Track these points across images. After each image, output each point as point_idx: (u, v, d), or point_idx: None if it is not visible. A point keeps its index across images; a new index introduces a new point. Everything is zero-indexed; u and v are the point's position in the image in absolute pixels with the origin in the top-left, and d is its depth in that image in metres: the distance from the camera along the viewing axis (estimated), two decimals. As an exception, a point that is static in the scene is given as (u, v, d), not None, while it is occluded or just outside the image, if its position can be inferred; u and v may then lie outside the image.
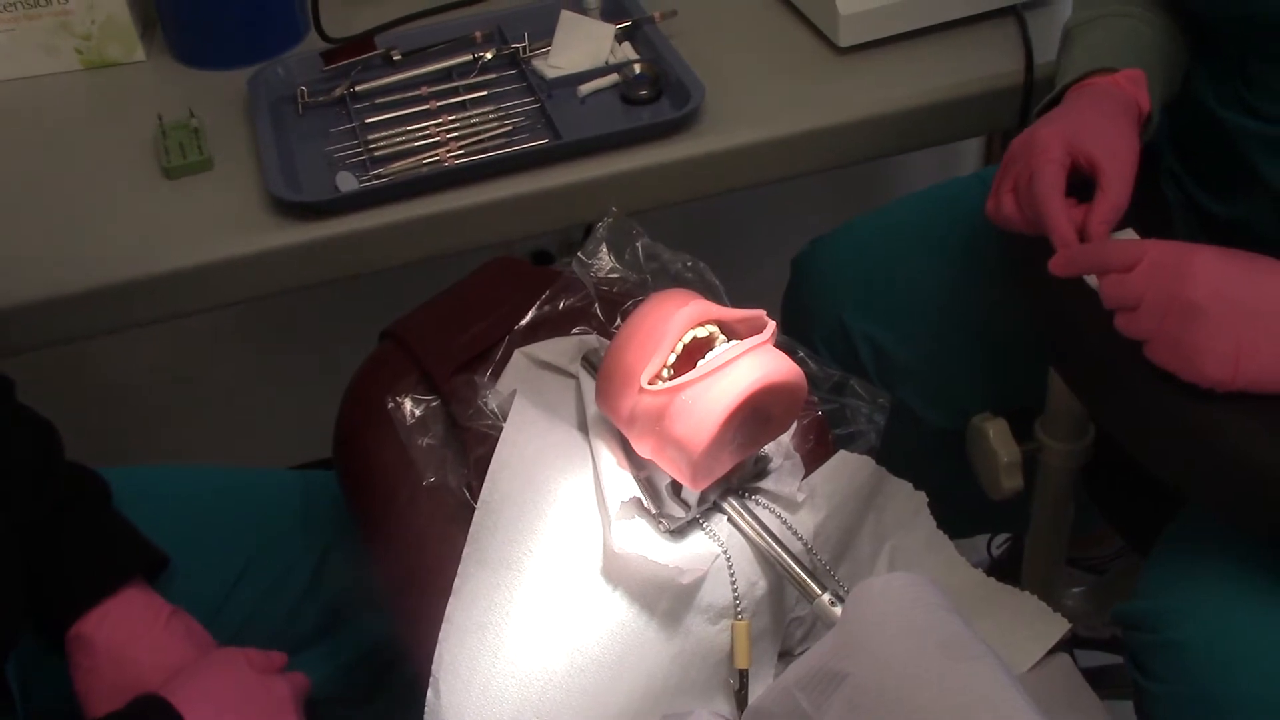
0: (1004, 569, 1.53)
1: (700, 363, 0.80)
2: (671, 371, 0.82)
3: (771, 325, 0.83)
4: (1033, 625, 0.94)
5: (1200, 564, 0.92)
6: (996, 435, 1.07)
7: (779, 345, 0.95)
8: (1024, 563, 1.26)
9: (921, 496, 0.97)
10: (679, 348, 0.82)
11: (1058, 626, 0.93)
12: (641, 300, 0.87)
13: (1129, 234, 0.94)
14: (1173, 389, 0.84)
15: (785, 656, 0.91)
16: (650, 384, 0.80)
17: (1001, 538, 1.60)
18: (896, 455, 1.01)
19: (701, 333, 0.83)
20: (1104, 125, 0.93)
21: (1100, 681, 1.39)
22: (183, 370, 1.83)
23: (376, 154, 1.19)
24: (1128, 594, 1.40)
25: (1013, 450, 1.07)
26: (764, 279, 1.34)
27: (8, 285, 1.08)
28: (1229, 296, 0.81)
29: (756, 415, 0.82)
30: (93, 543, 0.92)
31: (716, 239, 1.85)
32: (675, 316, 0.81)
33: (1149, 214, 1.00)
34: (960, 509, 1.23)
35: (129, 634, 0.89)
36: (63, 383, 1.56)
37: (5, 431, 0.92)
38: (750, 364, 0.80)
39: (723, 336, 0.84)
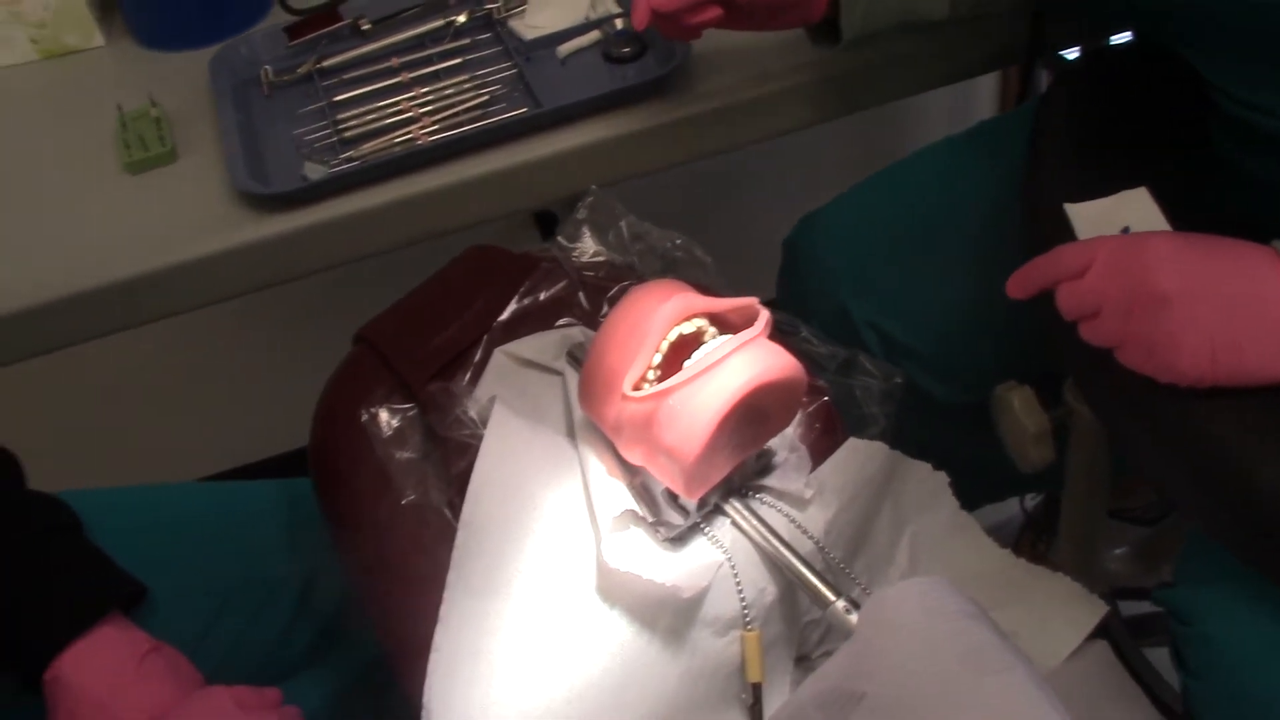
0: (1040, 524, 1.46)
1: (687, 363, 0.74)
2: (659, 373, 0.75)
3: (765, 316, 0.75)
4: (1068, 610, 0.87)
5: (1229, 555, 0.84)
6: (1022, 405, 0.99)
7: (779, 325, 0.88)
8: (1061, 524, 1.19)
9: (941, 477, 0.91)
10: (664, 347, 0.75)
11: (1095, 610, 0.87)
12: (625, 292, 0.80)
13: (1142, 195, 0.85)
14: (1150, 393, 0.77)
15: (802, 661, 0.85)
16: (634, 390, 0.74)
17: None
18: (910, 434, 0.94)
19: (688, 328, 0.76)
20: None
21: (1143, 630, 1.33)
22: (150, 376, 1.77)
23: (347, 135, 1.12)
24: (1176, 552, 1.34)
25: (1040, 420, 0.99)
26: (764, 253, 1.26)
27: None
28: (1195, 283, 0.73)
29: (753, 415, 0.75)
30: (63, 577, 0.86)
31: (710, 212, 1.78)
32: (657, 314, 0.74)
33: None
34: (986, 479, 1.17)
35: (108, 675, 0.83)
36: (17, 402, 1.50)
37: None
38: (741, 362, 0.73)
39: (713, 330, 0.77)
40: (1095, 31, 1.22)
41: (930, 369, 1.11)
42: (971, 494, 0.96)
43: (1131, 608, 1.39)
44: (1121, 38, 1.21)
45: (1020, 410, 1.00)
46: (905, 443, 0.93)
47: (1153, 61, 0.99)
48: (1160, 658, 1.00)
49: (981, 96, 1.81)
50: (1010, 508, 1.48)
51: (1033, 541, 1.49)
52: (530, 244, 1.65)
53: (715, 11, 0.92)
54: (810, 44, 1.04)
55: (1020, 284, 0.82)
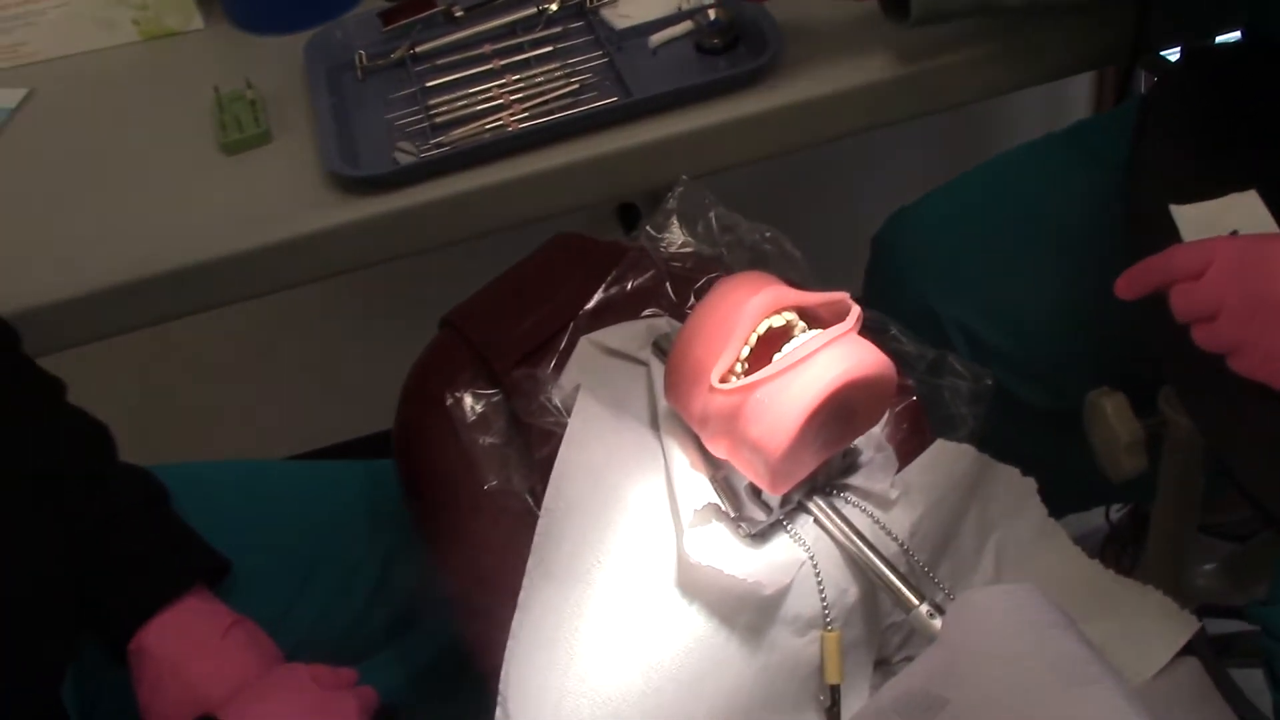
0: (1125, 537, 1.43)
1: (776, 357, 0.73)
2: (746, 366, 0.74)
3: (855, 311, 0.74)
4: (1158, 625, 0.85)
5: None
6: (1115, 412, 0.97)
7: (868, 322, 0.87)
8: (1150, 538, 1.16)
9: (1030, 483, 0.89)
10: (753, 340, 0.74)
11: (1186, 626, 0.84)
12: (712, 284, 0.79)
13: (1251, 198, 0.82)
14: (1260, 403, 0.74)
15: (882, 665, 0.84)
16: (721, 382, 0.73)
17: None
18: (997, 438, 0.92)
19: (778, 321, 0.75)
20: None
21: (1230, 650, 1.29)
22: (239, 354, 1.79)
23: (438, 120, 1.13)
24: (1267, 569, 1.30)
25: (1134, 428, 0.96)
26: (853, 248, 1.25)
27: (62, 278, 1.04)
28: None
29: (841, 411, 0.74)
30: (150, 549, 0.88)
31: (800, 205, 1.75)
32: (747, 306, 0.73)
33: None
34: (1073, 487, 1.14)
35: (191, 646, 0.85)
36: (111, 376, 1.52)
37: (55, 435, 0.89)
38: (832, 357, 0.72)
39: (802, 324, 0.76)
40: (1201, 28, 1.19)
41: (1019, 372, 1.09)
42: (1057, 502, 0.94)
43: (1218, 625, 1.36)
44: (1227, 37, 1.18)
45: (1113, 417, 0.97)
46: (992, 447, 0.91)
47: (1260, 60, 0.96)
48: (1245, 678, 0.97)
49: (1075, 97, 1.78)
50: (1095, 519, 1.45)
51: (1117, 554, 1.45)
52: (613, 236, 1.67)
53: None
54: (888, 21, 1.02)
55: (1131, 283, 0.79)
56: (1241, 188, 0.85)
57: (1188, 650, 0.84)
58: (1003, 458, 0.88)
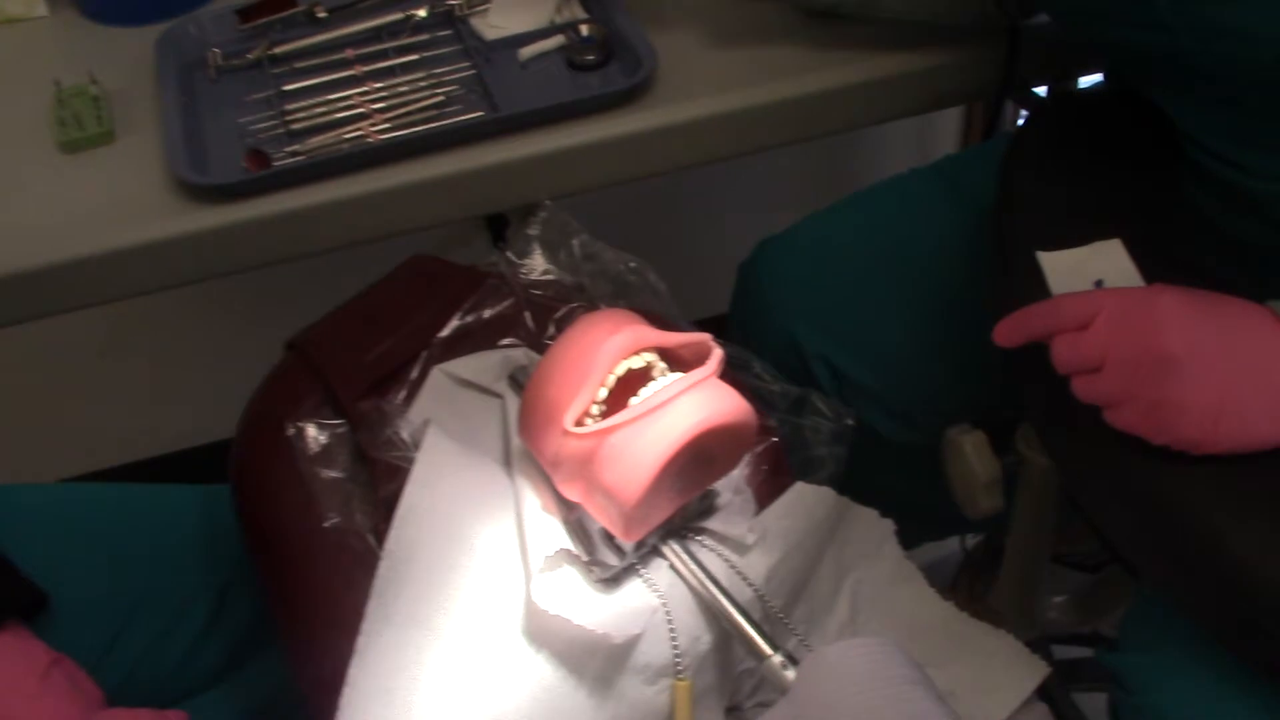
0: (979, 564, 1.44)
1: (633, 401, 0.70)
2: (604, 408, 0.72)
3: (717, 355, 0.72)
4: (1009, 670, 0.85)
5: (1180, 621, 0.82)
6: (974, 450, 0.97)
7: (730, 358, 0.85)
8: (1004, 567, 1.17)
9: (888, 524, 0.88)
10: (610, 381, 0.71)
11: (1036, 671, 0.84)
12: (573, 314, 0.76)
13: (1115, 247, 0.83)
14: (1123, 452, 0.74)
15: (734, 712, 0.82)
16: (576, 425, 0.70)
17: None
18: (856, 471, 0.91)
19: (637, 363, 0.72)
20: None
21: (1074, 676, 1.32)
22: (68, 357, 1.70)
23: (294, 127, 1.07)
24: (1117, 603, 1.32)
25: (992, 467, 0.96)
26: (720, 272, 1.23)
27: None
28: (1205, 345, 0.70)
29: (699, 457, 0.72)
30: None
31: (667, 227, 1.74)
32: (605, 346, 0.71)
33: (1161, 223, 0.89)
34: (931, 518, 1.15)
35: (3, 691, 0.79)
36: None
37: None
38: (690, 403, 0.69)
39: (663, 365, 0.74)
40: (1067, 69, 1.20)
41: (879, 405, 1.09)
42: (914, 533, 0.94)
43: (1066, 651, 1.38)
44: (1093, 79, 1.19)
45: (972, 455, 0.97)
46: (851, 479, 0.90)
47: (1123, 104, 0.97)
48: (1092, 701, 0.98)
49: (947, 129, 1.79)
50: (950, 546, 1.46)
51: (970, 582, 1.47)
52: (480, 246, 1.63)
53: None
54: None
55: (1011, 331, 0.78)
56: (1106, 235, 0.85)
57: (1040, 691, 0.85)
58: (861, 489, 0.87)
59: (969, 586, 1.49)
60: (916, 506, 1.06)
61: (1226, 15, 0.75)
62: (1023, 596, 1.19)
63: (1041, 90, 1.28)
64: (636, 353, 0.72)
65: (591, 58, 1.12)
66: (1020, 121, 1.37)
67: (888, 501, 0.89)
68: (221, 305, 1.65)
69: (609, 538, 0.75)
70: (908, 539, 0.90)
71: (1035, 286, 0.84)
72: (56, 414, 1.73)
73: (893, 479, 1.09)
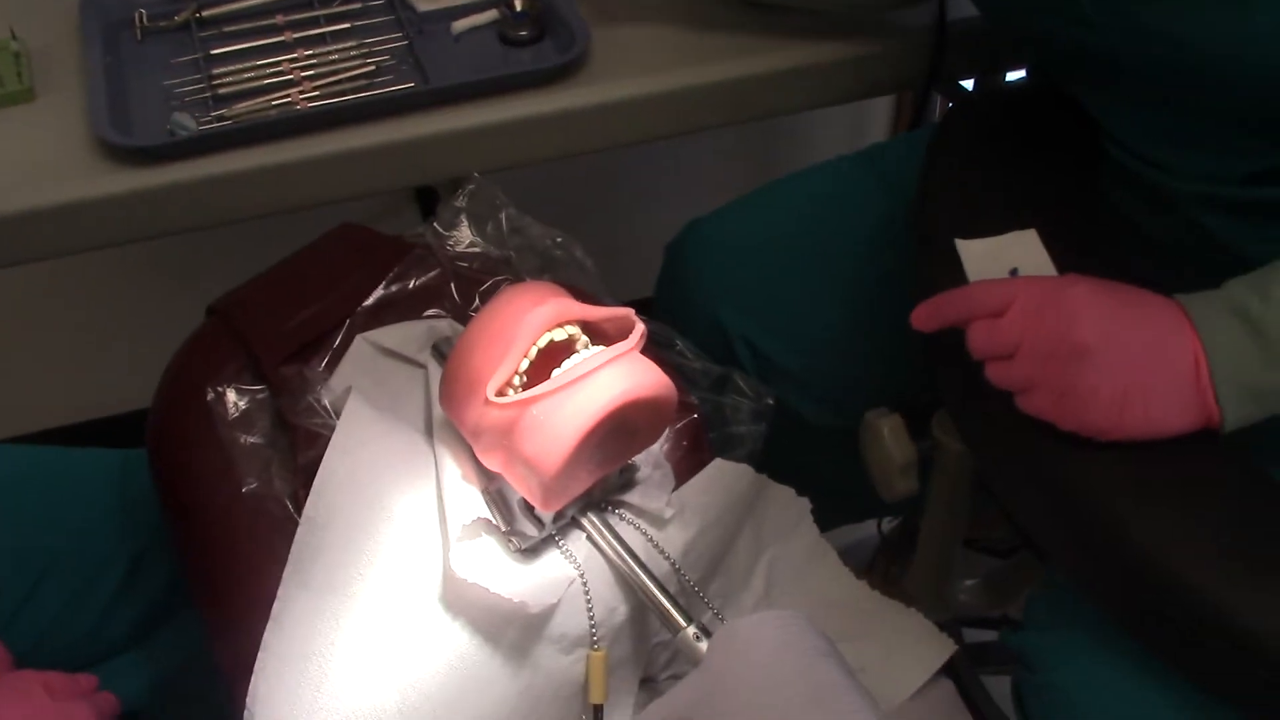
0: (895, 547, 1.47)
1: (555, 372, 0.71)
2: (525, 380, 0.72)
3: (639, 329, 0.73)
4: (918, 647, 0.87)
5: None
6: (891, 434, 0.98)
7: (654, 336, 0.86)
8: (918, 551, 1.19)
9: (804, 504, 0.89)
10: (533, 353, 0.72)
11: (944, 649, 0.87)
12: (498, 287, 0.76)
13: (1031, 237, 0.85)
14: (1033, 437, 0.76)
15: (648, 683, 0.83)
16: (498, 395, 0.70)
17: (892, 512, 1.53)
18: (775, 452, 0.93)
19: (560, 335, 0.73)
20: None
21: (982, 659, 1.35)
22: None
23: (221, 92, 1.06)
24: (1028, 588, 1.34)
25: (908, 451, 0.98)
26: (647, 252, 1.24)
27: None
28: (1115, 336, 0.72)
29: (620, 430, 0.73)
30: None
31: (595, 206, 1.74)
32: (528, 317, 0.71)
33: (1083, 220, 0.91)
34: (848, 501, 1.16)
35: (-94, 650, 0.77)
36: None
37: None
38: (611, 376, 0.70)
39: (585, 339, 0.74)
40: (993, 62, 1.22)
41: (800, 388, 1.10)
42: (831, 515, 0.95)
43: (976, 635, 1.41)
44: (1018, 73, 1.22)
45: (889, 439, 0.99)
46: (770, 460, 0.91)
47: (1046, 98, 0.99)
48: (1000, 685, 1.00)
49: (877, 119, 1.82)
50: (867, 529, 1.48)
51: (886, 565, 1.49)
52: (409, 218, 1.62)
53: None
54: None
55: (929, 316, 0.80)
56: (1024, 227, 0.87)
57: (946, 669, 0.87)
58: (780, 470, 0.88)
59: (884, 570, 1.51)
60: (834, 488, 1.07)
61: (1148, 16, 0.77)
62: (936, 580, 1.22)
63: (969, 84, 1.30)
64: (560, 325, 0.73)
65: (525, 33, 1.12)
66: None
67: (806, 482, 0.90)
68: (144, 270, 1.62)
69: (528, 508, 0.76)
70: (825, 521, 0.92)
71: (953, 273, 0.86)
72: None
73: (811, 460, 1.10)
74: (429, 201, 1.61)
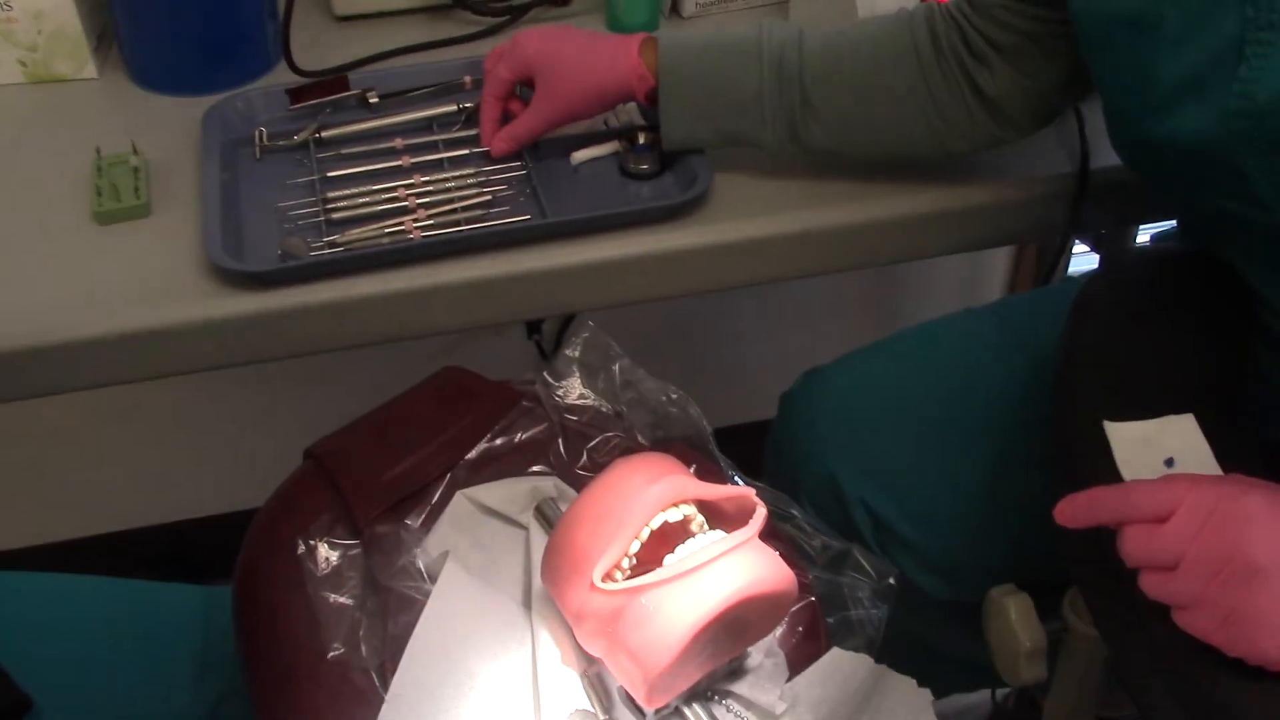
0: (1009, 716, 1.37)
1: (668, 559, 0.65)
2: (634, 562, 0.67)
3: (761, 513, 0.67)
4: None
5: None
6: (1019, 615, 0.91)
7: (769, 503, 0.80)
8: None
9: (925, 694, 0.82)
10: (645, 534, 0.67)
11: None
12: (603, 448, 0.72)
13: (1188, 422, 0.78)
14: (1205, 660, 0.68)
15: None
16: (605, 579, 0.65)
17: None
18: (894, 625, 0.86)
19: (675, 515, 0.68)
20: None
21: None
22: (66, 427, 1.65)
23: (334, 216, 1.04)
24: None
25: (1037, 635, 0.91)
26: (757, 405, 1.18)
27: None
28: None
29: (733, 625, 0.67)
30: None
31: (711, 344, 1.70)
32: (642, 495, 0.66)
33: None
34: (966, 672, 1.09)
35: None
36: None
37: None
38: (729, 567, 0.65)
39: (701, 519, 0.69)
40: (1137, 217, 1.16)
41: (920, 558, 1.03)
42: (944, 682, 0.88)
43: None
44: (1157, 228, 1.15)
45: (1016, 621, 0.91)
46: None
47: (1201, 265, 0.92)
48: None
49: (996, 265, 1.75)
50: (979, 694, 1.39)
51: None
52: (514, 337, 1.59)
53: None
54: None
55: (1075, 514, 0.72)
56: (1175, 403, 0.80)
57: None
58: (892, 635, 0.82)
59: (995, 738, 1.42)
60: (949, 658, 1.00)
61: None
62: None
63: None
64: (675, 504, 0.67)
65: (646, 167, 1.09)
66: (1072, 267, 1.33)
67: (916, 650, 0.84)
68: (240, 386, 1.61)
69: (630, 698, 0.70)
70: (940, 689, 0.85)
71: (1100, 457, 0.79)
72: (58, 476, 1.69)
73: (927, 630, 1.03)
74: (536, 323, 1.58)
